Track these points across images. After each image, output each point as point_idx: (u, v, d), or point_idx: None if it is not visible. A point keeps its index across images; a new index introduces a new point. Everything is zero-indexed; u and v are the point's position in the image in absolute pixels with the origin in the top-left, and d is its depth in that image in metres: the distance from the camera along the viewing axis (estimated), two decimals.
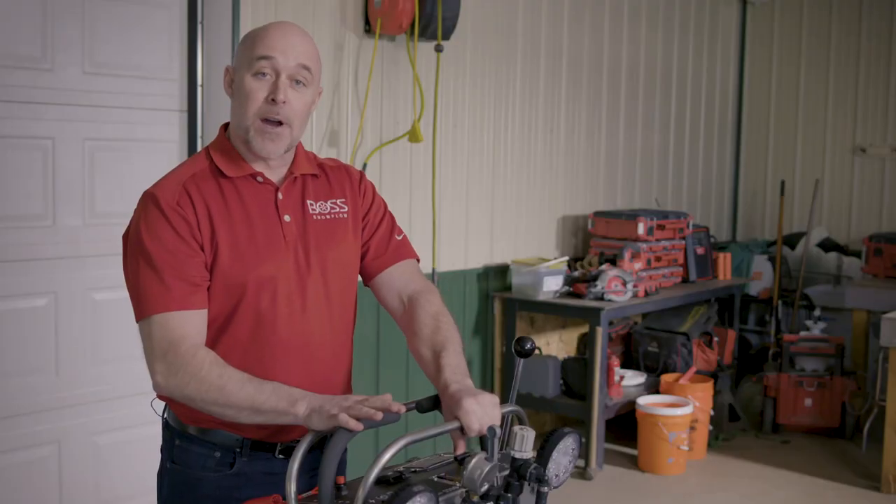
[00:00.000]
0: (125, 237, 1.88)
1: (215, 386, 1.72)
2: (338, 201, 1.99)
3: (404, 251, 2.08)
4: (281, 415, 1.70)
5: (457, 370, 1.82)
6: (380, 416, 1.60)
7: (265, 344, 1.87)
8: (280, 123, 1.86)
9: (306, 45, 1.89)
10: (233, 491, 1.89)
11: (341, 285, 1.97)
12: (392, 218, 2.10)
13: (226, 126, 1.97)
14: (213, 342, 1.86)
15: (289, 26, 1.90)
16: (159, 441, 2.01)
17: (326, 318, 1.93)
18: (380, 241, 2.05)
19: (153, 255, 1.79)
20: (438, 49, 4.30)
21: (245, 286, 1.84)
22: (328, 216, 1.96)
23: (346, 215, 1.99)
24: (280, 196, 1.91)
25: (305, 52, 1.88)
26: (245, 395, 1.71)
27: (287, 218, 1.91)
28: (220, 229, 1.84)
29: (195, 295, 1.81)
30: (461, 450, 1.73)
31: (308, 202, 1.95)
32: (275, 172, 1.94)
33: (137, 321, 1.83)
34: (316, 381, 1.87)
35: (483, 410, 1.70)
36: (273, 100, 1.83)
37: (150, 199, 1.84)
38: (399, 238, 2.08)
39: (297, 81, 1.87)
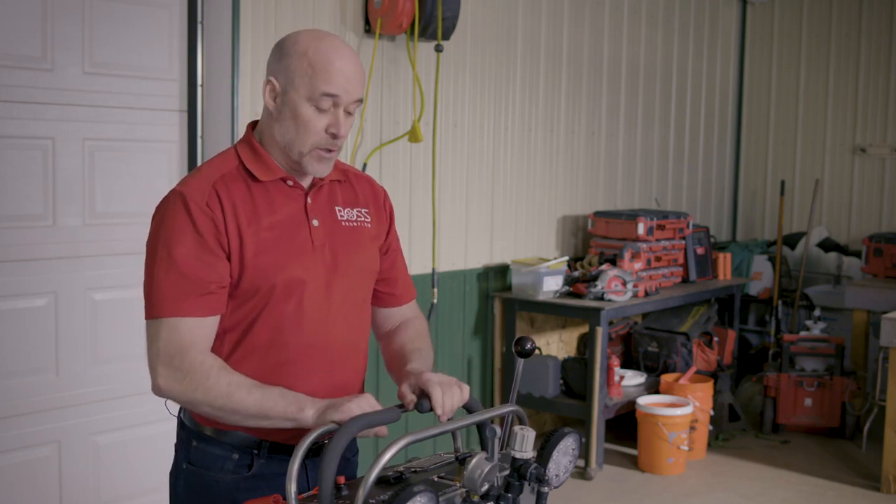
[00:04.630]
0: (150, 233, 1.89)
1: (223, 393, 1.76)
2: (362, 210, 2.04)
3: (413, 288, 2.20)
4: (288, 419, 1.76)
5: (426, 363, 1.96)
6: (385, 431, 1.74)
7: (288, 345, 1.89)
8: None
9: (362, 78, 1.91)
10: (250, 493, 1.88)
11: (363, 290, 2.02)
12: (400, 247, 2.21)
13: (253, 125, 1.98)
14: (235, 343, 1.88)
15: (350, 57, 1.89)
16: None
17: (349, 321, 1.96)
18: (404, 277, 2.15)
19: (174, 257, 1.80)
20: (438, 49, 4.30)
21: (273, 288, 1.86)
22: (355, 223, 2.01)
23: (369, 225, 2.03)
24: (309, 201, 1.94)
25: (362, 85, 1.91)
26: (253, 401, 1.76)
27: (315, 222, 1.93)
28: (248, 232, 1.85)
29: (209, 301, 1.82)
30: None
31: (337, 208, 1.98)
32: (304, 178, 1.96)
33: (147, 319, 1.82)
34: (334, 383, 1.91)
35: (448, 389, 1.79)
36: (334, 134, 1.87)
37: (178, 199, 1.84)
38: (406, 271, 2.19)
39: (349, 113, 1.90)
